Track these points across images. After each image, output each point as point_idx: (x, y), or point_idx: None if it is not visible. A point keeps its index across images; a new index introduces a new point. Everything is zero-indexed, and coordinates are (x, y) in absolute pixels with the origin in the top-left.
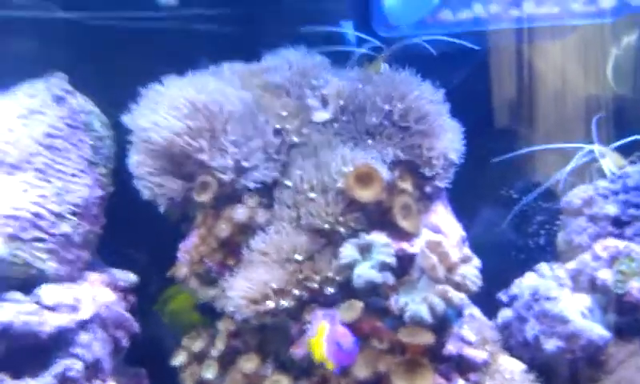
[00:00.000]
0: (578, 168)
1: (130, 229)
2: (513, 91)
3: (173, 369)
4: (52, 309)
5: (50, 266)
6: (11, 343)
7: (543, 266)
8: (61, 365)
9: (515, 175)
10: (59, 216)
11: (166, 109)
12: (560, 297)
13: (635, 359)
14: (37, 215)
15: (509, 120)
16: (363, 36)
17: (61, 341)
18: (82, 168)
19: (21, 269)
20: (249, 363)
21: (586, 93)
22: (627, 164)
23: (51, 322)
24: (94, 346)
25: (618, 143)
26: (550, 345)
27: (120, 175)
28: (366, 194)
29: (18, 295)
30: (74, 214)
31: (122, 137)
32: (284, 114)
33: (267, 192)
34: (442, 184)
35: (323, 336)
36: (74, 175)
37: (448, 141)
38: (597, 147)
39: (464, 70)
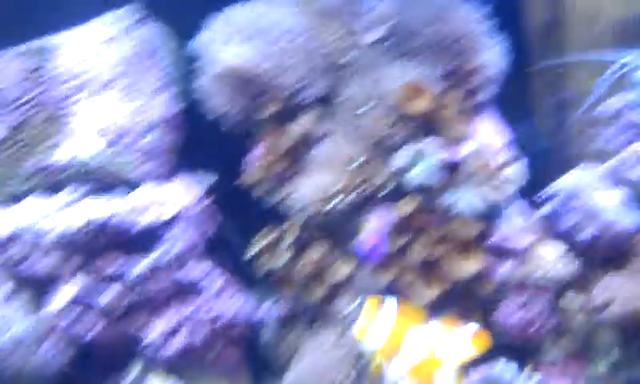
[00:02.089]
0: (617, 80)
1: (199, 145)
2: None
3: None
4: (146, 206)
5: (140, 170)
6: (114, 235)
7: (580, 167)
8: (158, 252)
9: (555, 88)
10: (144, 128)
11: (231, 35)
12: (594, 192)
13: None
14: (127, 127)
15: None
16: None
17: (156, 232)
18: (158, 87)
19: (116, 173)
20: (315, 253)
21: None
22: None
23: (147, 217)
24: (184, 236)
25: None
26: (586, 233)
27: (189, 95)
28: (416, 107)
29: (117, 195)
30: (155, 127)
31: (190, 61)
32: (337, 35)
33: (323, 107)
34: (485, 95)
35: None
36: (152, 93)
37: (489, 56)
38: (632, 58)
39: None
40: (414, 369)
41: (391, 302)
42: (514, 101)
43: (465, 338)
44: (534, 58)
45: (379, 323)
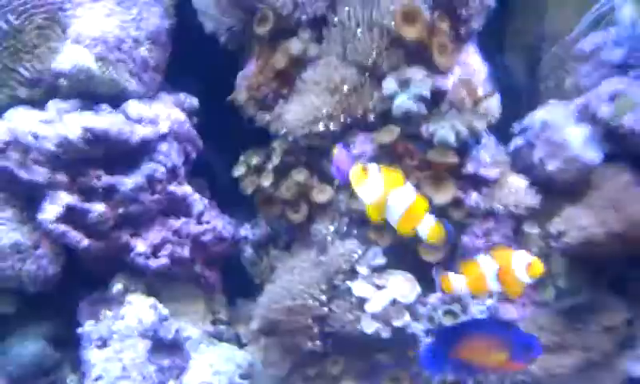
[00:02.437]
0: (598, 19)
1: (192, 59)
2: None
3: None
4: (137, 121)
5: (132, 84)
6: (107, 147)
7: (552, 103)
8: (148, 167)
9: (535, 24)
10: (137, 41)
11: None
12: (564, 127)
13: (618, 178)
14: (119, 39)
15: None
16: None
17: (146, 149)
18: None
19: (108, 85)
20: (300, 175)
21: None
22: None
23: (138, 132)
24: (172, 154)
25: None
26: (552, 165)
27: (183, 9)
28: (410, 32)
29: (108, 108)
30: (148, 39)
31: None
32: None
33: (318, 29)
34: (475, 26)
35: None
36: (146, 4)
37: None
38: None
39: None
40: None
41: (374, 166)
42: (496, 36)
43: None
44: None
45: (369, 183)
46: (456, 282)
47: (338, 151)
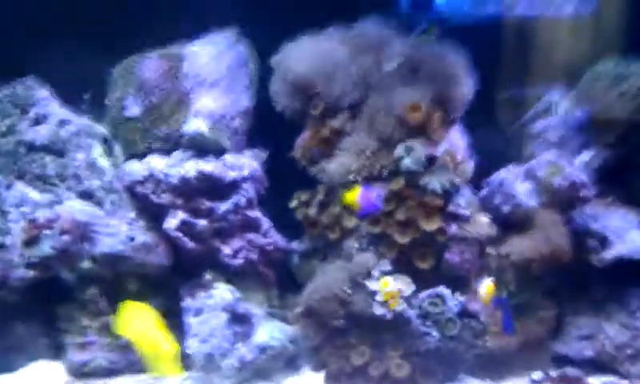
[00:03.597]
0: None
1: (265, 127)
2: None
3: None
4: (230, 168)
5: (228, 143)
6: (210, 183)
7: (510, 167)
8: (234, 198)
9: (506, 110)
10: (232, 116)
11: (298, 56)
12: (513, 183)
13: (549, 218)
14: (222, 115)
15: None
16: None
17: (234, 186)
18: (244, 88)
19: (214, 144)
20: (335, 208)
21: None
22: (576, 107)
23: (230, 175)
24: (250, 190)
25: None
26: (505, 208)
27: (263, 93)
28: (414, 118)
29: (212, 158)
30: (240, 115)
31: (267, 71)
32: (366, 64)
33: (352, 112)
34: (458, 114)
35: (358, 191)
36: (240, 92)
37: (465, 89)
38: (556, 96)
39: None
40: None
41: None
42: (483, 118)
43: None
44: (500, 88)
45: None
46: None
47: (362, 189)
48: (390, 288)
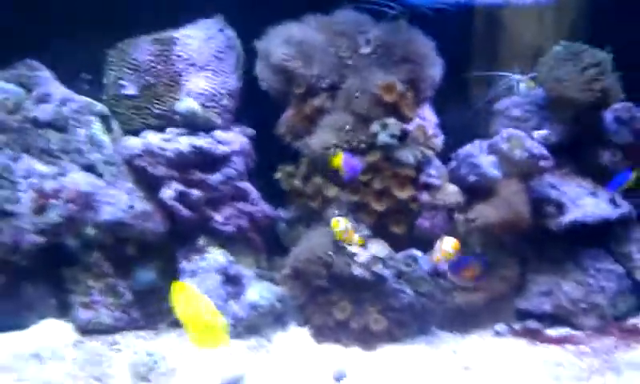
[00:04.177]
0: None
1: (251, 106)
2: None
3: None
4: (220, 142)
5: (218, 120)
6: (203, 156)
7: (475, 141)
8: (225, 170)
9: (473, 90)
10: (222, 95)
11: (280, 42)
12: (478, 156)
13: (511, 187)
14: (212, 94)
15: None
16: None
17: (224, 159)
18: (232, 70)
19: (204, 121)
20: (317, 179)
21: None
22: (536, 87)
23: (220, 149)
24: (239, 163)
25: (533, 74)
26: (471, 178)
27: (249, 75)
28: (388, 97)
29: (204, 134)
30: (228, 94)
31: (252, 53)
32: (343, 47)
33: (332, 91)
34: (429, 93)
35: (341, 157)
36: (228, 74)
37: (435, 69)
38: (518, 76)
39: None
40: None
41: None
42: (452, 97)
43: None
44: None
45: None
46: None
47: (344, 155)
48: (341, 227)
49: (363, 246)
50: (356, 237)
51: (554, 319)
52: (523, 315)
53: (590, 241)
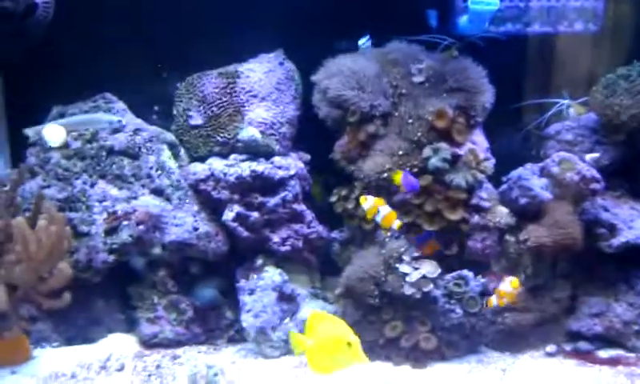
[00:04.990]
0: (558, 112)
1: (308, 133)
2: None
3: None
4: (278, 168)
5: (277, 147)
6: (262, 181)
7: (527, 165)
8: (282, 193)
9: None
10: (281, 123)
11: (335, 72)
12: (530, 178)
13: (562, 209)
14: (272, 122)
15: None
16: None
17: (282, 183)
18: (290, 100)
19: (264, 148)
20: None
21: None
22: (586, 112)
23: (279, 174)
24: (296, 187)
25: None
26: (522, 200)
27: (307, 104)
28: (440, 123)
29: (264, 160)
30: (287, 122)
31: (309, 85)
32: (397, 76)
33: (385, 119)
34: (480, 119)
35: (400, 175)
36: (287, 103)
37: (486, 97)
38: (568, 101)
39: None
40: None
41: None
42: (504, 123)
43: None
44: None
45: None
46: None
47: (403, 173)
48: (368, 204)
49: (401, 228)
50: (395, 220)
51: (606, 341)
52: (574, 337)
53: None
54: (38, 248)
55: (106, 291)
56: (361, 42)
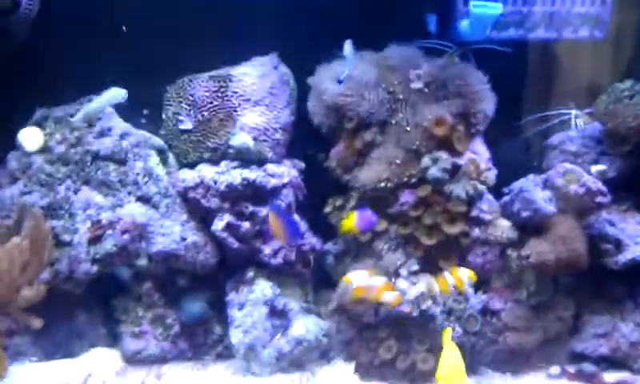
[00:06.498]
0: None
1: (303, 139)
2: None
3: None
4: (271, 176)
5: (270, 154)
6: (254, 189)
7: (529, 176)
8: (275, 203)
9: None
10: (274, 130)
11: (331, 77)
12: (532, 190)
13: (567, 223)
14: (265, 128)
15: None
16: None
17: (275, 192)
18: (285, 105)
19: (257, 155)
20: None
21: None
22: (591, 122)
23: (271, 182)
24: (289, 196)
25: (589, 110)
26: (525, 213)
27: (302, 110)
28: (439, 131)
29: (256, 167)
30: (281, 128)
31: (304, 89)
32: (395, 82)
33: (382, 126)
34: (481, 128)
35: (354, 215)
36: (281, 109)
37: (487, 104)
38: (574, 111)
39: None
40: None
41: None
42: (506, 132)
43: None
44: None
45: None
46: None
47: (357, 212)
48: (354, 284)
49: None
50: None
51: (611, 363)
52: (578, 358)
53: None
54: (10, 265)
55: (88, 303)
56: (346, 50)
